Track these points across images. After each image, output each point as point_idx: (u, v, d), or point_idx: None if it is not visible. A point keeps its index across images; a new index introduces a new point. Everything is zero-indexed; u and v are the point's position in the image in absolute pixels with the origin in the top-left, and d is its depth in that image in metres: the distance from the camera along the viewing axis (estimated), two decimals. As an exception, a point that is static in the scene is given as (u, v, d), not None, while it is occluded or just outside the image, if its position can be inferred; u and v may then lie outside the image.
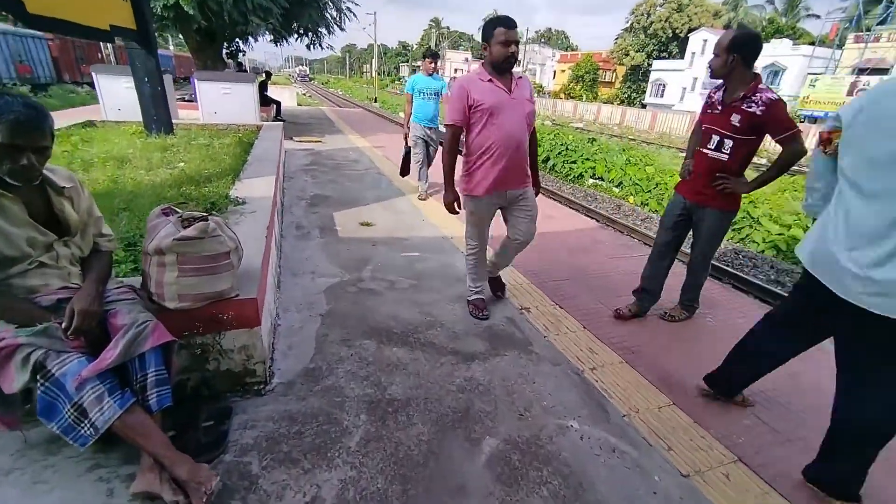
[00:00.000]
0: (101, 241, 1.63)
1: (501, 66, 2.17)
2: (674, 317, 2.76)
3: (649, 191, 9.30)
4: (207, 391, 1.80)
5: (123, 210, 2.60)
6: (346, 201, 4.78)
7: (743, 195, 2.41)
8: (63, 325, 1.33)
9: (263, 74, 11.58)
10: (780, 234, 6.67)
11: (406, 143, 4.97)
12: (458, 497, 1.49)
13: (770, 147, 14.83)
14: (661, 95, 35.19)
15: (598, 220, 6.93)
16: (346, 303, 2.69)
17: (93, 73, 6.93)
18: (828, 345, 1.62)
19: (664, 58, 36.70)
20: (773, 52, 27.00)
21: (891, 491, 1.65)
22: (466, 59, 63.35)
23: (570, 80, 42.13)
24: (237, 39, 11.49)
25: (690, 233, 2.61)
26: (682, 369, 2.28)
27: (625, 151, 11.31)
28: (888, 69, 21.53)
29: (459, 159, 2.39)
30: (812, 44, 28.75)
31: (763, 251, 6.60)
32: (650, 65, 37.03)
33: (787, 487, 1.63)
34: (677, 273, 2.82)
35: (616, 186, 10.17)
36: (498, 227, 2.58)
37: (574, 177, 11.07)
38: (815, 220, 1.61)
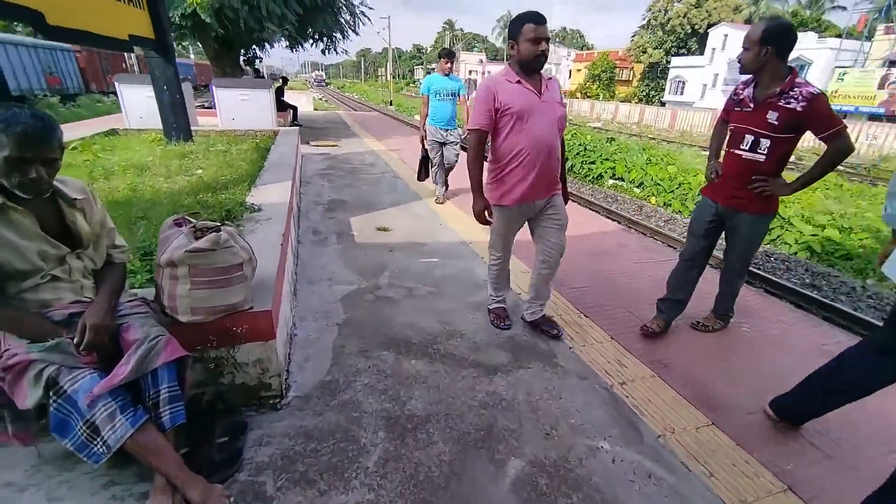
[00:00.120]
0: (114, 252, 1.60)
1: (531, 65, 2.01)
2: (707, 326, 2.61)
3: (672, 191, 9.03)
4: (222, 405, 1.74)
5: (141, 219, 2.59)
6: (363, 205, 4.73)
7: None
8: (75, 340, 1.30)
9: (280, 80, 11.70)
10: (813, 235, 6.37)
11: (423, 145, 4.85)
12: (484, 525, 1.40)
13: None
14: (681, 93, 34.42)
15: (619, 222, 6.75)
16: (363, 311, 2.62)
17: (115, 83, 7.09)
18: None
19: (683, 54, 35.89)
20: (797, 45, 25.98)
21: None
22: (481, 61, 63.18)
23: (587, 79, 41.59)
24: (254, 46, 11.65)
25: (722, 237, 2.45)
26: (722, 385, 2.13)
27: (645, 151, 11.04)
28: (923, 61, 20.60)
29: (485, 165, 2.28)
30: (839, 36, 27.72)
31: (796, 253, 6.31)
32: (668, 62, 36.25)
33: (844, 520, 1.49)
34: (706, 278, 2.66)
35: (637, 187, 9.91)
36: (523, 233, 2.46)
37: (593, 177, 10.84)
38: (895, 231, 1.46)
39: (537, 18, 1.95)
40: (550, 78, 2.15)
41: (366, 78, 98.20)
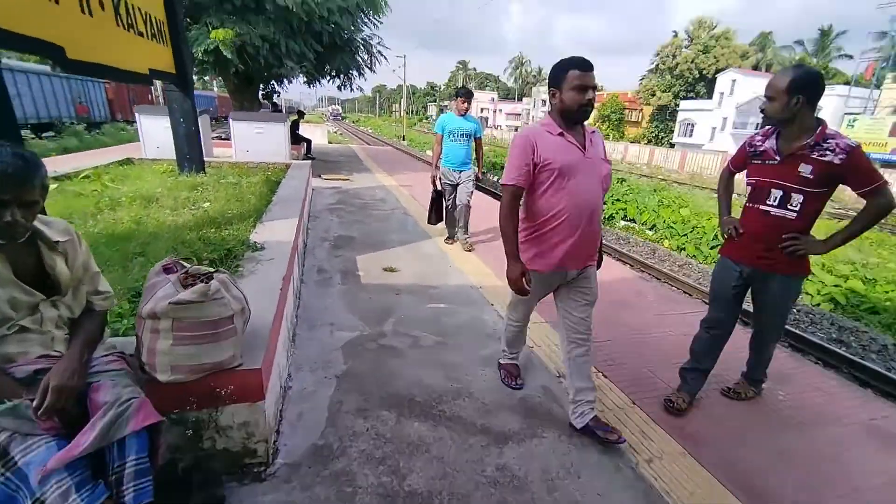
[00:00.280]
0: (95, 299, 1.46)
1: (574, 116, 1.79)
2: (739, 394, 2.37)
3: (685, 234, 8.87)
4: (200, 474, 1.55)
5: (139, 255, 2.48)
6: (371, 243, 4.62)
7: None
8: (34, 403, 1.14)
9: (297, 114, 11.98)
10: (836, 286, 6.12)
11: (434, 186, 4.66)
12: None
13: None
14: (690, 135, 34.81)
15: (631, 265, 6.56)
16: (364, 362, 2.44)
17: (136, 114, 7.26)
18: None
19: (691, 98, 36.58)
20: (804, 92, 26.38)
21: None
22: (492, 99, 65.15)
23: (596, 119, 42.37)
24: (272, 81, 12.00)
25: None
26: (764, 469, 1.88)
27: (656, 192, 10.97)
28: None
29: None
30: (846, 83, 28.10)
31: (818, 304, 6.04)
32: (677, 105, 36.93)
33: None
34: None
35: (649, 229, 9.77)
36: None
37: (605, 218, 10.75)
38: None
39: (583, 64, 1.73)
40: (594, 131, 1.93)
41: (380, 113, 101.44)
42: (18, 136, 2.13)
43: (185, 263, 1.61)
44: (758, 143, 2.07)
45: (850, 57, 33.75)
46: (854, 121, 22.51)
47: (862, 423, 2.23)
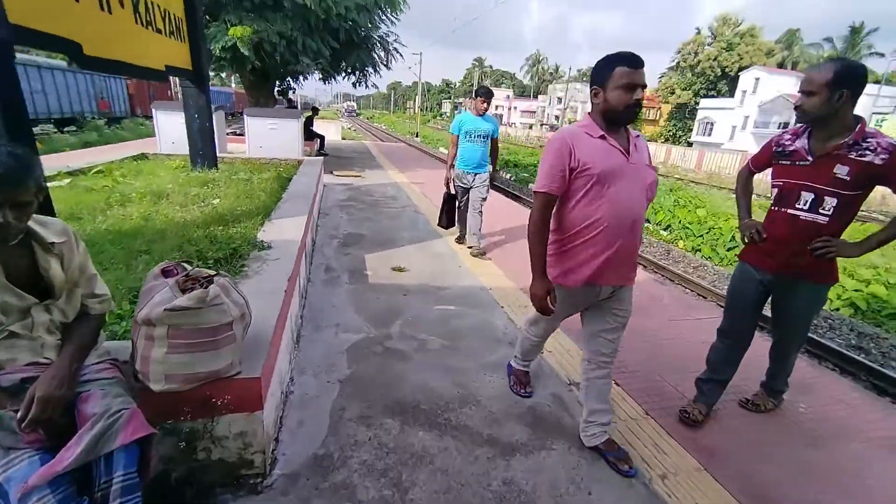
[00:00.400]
0: (90, 302, 1.41)
1: (619, 118, 1.60)
2: (758, 406, 2.26)
3: (701, 235, 8.64)
4: (193, 487, 1.51)
5: (144, 253, 2.46)
6: (381, 242, 4.57)
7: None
8: (19, 414, 1.10)
9: (311, 110, 12.01)
10: (857, 291, 5.88)
11: (447, 187, 4.53)
12: None
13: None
14: (709, 134, 34.05)
15: (644, 266, 6.40)
16: (369, 366, 2.39)
17: (153, 109, 7.33)
18: None
19: (712, 96, 35.74)
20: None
21: None
22: (507, 97, 64.70)
23: (612, 117, 41.72)
24: (288, 78, 12.04)
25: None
26: (784, 484, 1.78)
27: (672, 192, 10.72)
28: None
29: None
30: (877, 82, 27.10)
31: (838, 309, 5.81)
32: (697, 103, 36.13)
33: None
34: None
35: (664, 230, 9.54)
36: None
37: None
38: None
39: (633, 60, 1.55)
40: (638, 135, 1.74)
41: (394, 109, 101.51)
42: (30, 134, 2.10)
43: (186, 266, 1.56)
44: (786, 143, 1.94)
45: (882, 55, 32.55)
46: (883, 120, 21.76)
47: (886, 437, 2.11)
